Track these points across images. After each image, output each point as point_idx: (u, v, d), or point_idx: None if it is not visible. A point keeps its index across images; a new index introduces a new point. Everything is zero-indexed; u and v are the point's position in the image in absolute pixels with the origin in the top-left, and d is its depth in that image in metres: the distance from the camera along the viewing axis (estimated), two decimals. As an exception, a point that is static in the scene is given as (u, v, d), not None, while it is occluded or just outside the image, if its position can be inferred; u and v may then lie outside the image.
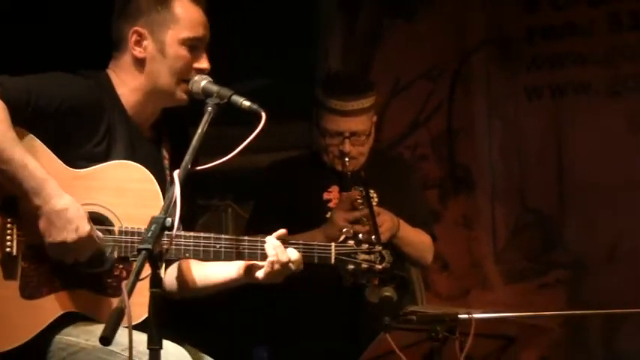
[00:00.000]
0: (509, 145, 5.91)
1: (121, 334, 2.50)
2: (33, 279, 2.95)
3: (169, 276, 3.22)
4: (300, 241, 3.19)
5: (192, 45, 3.17)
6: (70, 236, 2.88)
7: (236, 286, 3.21)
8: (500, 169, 5.92)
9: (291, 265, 3.11)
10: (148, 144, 3.24)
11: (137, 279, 2.54)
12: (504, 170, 5.91)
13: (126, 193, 3.06)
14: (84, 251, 2.92)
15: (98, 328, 2.86)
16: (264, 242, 3.12)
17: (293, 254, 3.12)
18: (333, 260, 3.24)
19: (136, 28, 3.16)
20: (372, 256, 3.29)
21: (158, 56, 3.16)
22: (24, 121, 2.94)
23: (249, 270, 3.15)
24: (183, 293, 3.25)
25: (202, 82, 3.08)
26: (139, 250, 2.57)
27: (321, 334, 4.22)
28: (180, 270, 3.23)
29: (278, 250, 3.09)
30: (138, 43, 3.16)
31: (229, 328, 4.99)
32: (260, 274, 3.11)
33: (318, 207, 4.26)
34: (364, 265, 3.27)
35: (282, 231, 3.17)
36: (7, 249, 2.92)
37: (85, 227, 2.90)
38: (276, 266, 3.08)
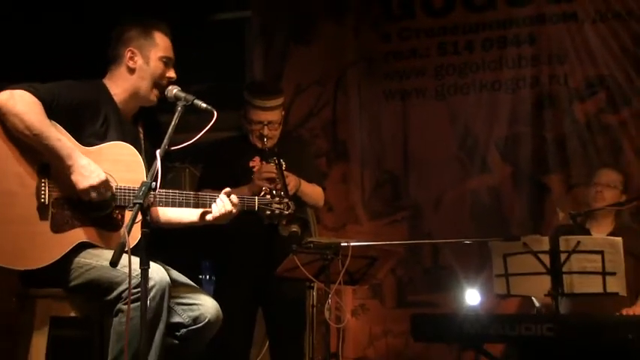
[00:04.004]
0: (373, 129, 5.89)
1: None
2: (59, 220, 2.95)
3: (163, 215, 3.27)
4: (238, 196, 3.21)
5: (165, 61, 3.22)
6: (94, 181, 2.90)
7: (198, 225, 3.25)
8: (367, 145, 5.90)
9: (233, 211, 3.15)
10: (130, 125, 3.24)
11: (133, 223, 2.59)
12: (369, 146, 5.90)
13: (120, 163, 3.08)
14: (105, 191, 2.94)
15: (104, 252, 2.95)
16: (212, 196, 3.16)
17: (233, 204, 3.16)
18: (256, 208, 3.28)
19: (130, 48, 3.19)
20: (282, 205, 3.33)
21: (144, 66, 3.19)
22: (49, 114, 2.94)
23: (204, 215, 3.19)
24: (167, 225, 3.30)
25: (174, 90, 3.10)
26: (134, 204, 2.63)
27: (249, 256, 4.22)
28: (167, 212, 3.28)
29: (225, 202, 3.14)
30: (131, 58, 3.19)
31: (185, 247, 4.92)
32: (209, 217, 3.17)
33: (245, 171, 4.21)
34: (277, 212, 3.32)
35: (227, 190, 3.20)
36: (42, 199, 2.92)
37: (102, 174, 2.93)
38: (223, 211, 3.13)
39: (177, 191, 3.11)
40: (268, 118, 4.21)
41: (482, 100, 5.68)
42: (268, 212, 3.29)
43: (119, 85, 3.19)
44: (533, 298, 4.49)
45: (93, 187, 2.91)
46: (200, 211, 3.19)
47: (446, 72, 5.77)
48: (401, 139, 5.83)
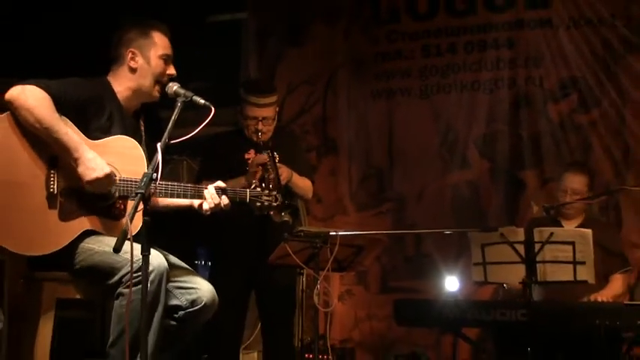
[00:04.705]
0: (360, 126, 5.89)
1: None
2: (67, 209, 2.94)
3: (162, 200, 3.25)
4: (229, 189, 3.23)
5: (165, 59, 3.21)
6: (99, 174, 2.89)
7: (193, 208, 3.24)
8: (354, 141, 5.90)
9: (221, 204, 3.16)
10: (132, 120, 3.24)
11: (135, 211, 2.59)
12: (356, 142, 5.90)
13: (123, 156, 3.07)
14: (108, 183, 2.94)
15: (107, 239, 2.96)
16: (205, 188, 3.17)
17: (223, 199, 3.17)
18: (248, 200, 3.29)
19: (131, 49, 3.17)
20: (271, 197, 3.34)
21: (145, 65, 3.18)
22: (58, 109, 2.93)
23: (200, 206, 3.20)
24: (165, 209, 3.28)
25: (174, 87, 3.11)
26: (136, 194, 2.63)
27: (243, 243, 4.22)
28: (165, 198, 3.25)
29: (213, 195, 3.15)
30: (132, 58, 3.17)
31: (182, 235, 4.90)
32: (205, 207, 3.16)
33: (241, 163, 4.20)
34: (266, 203, 3.32)
35: (218, 183, 3.22)
36: (51, 189, 2.91)
37: (107, 168, 2.92)
38: (212, 205, 3.14)
39: (175, 183, 3.11)
40: (263, 114, 4.21)
41: (463, 100, 5.69)
42: (258, 204, 3.30)
43: (122, 84, 3.19)
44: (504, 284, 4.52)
45: (98, 180, 2.90)
46: (196, 201, 3.20)
47: (429, 73, 5.77)
48: (386, 135, 5.84)
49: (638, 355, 4.17)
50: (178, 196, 3.12)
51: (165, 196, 3.10)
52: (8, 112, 2.90)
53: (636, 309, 3.83)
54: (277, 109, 4.36)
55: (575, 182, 4.52)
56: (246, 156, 4.26)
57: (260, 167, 4.02)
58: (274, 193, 3.34)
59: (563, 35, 5.47)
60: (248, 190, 3.29)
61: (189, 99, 3.00)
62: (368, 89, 5.90)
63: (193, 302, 3.08)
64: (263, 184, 3.35)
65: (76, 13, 5.31)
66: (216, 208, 3.16)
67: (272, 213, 3.73)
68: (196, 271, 3.32)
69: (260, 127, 4.19)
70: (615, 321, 3.78)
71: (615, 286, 4.39)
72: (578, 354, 4.02)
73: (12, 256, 2.91)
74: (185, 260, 3.27)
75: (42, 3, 5.32)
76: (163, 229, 3.12)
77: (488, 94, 5.63)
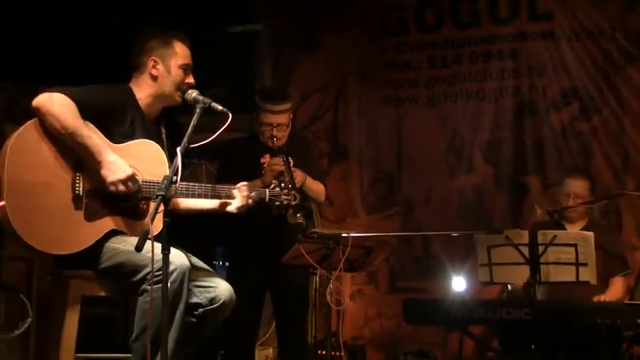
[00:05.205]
0: (370, 133, 5.89)
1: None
2: (92, 209, 2.95)
3: (182, 203, 3.26)
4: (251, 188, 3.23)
5: (185, 68, 3.20)
6: (122, 175, 2.90)
7: (213, 213, 3.26)
8: (364, 147, 5.90)
9: (250, 202, 3.18)
10: (153, 125, 3.23)
11: (156, 212, 2.59)
12: (367, 148, 5.89)
13: (145, 159, 3.07)
14: (131, 184, 2.94)
15: (131, 239, 2.95)
16: (226, 188, 3.17)
17: (252, 195, 3.19)
18: (267, 199, 3.30)
19: (152, 57, 3.17)
20: (290, 196, 3.34)
21: (166, 74, 3.17)
22: (82, 114, 2.94)
23: (223, 205, 3.21)
24: (186, 212, 3.30)
25: (193, 94, 3.10)
26: (157, 195, 2.63)
27: (259, 244, 4.21)
28: (186, 200, 3.27)
29: (245, 193, 3.16)
30: (154, 66, 3.17)
31: (201, 236, 4.88)
32: (232, 208, 3.18)
33: (257, 167, 4.20)
34: (285, 202, 3.33)
35: (242, 183, 3.22)
36: (77, 191, 2.92)
37: (129, 169, 2.93)
38: (244, 202, 3.15)
39: (196, 184, 3.12)
40: (277, 121, 4.20)
41: (469, 108, 5.68)
42: (277, 203, 3.30)
43: (144, 91, 3.18)
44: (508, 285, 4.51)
45: (120, 181, 2.91)
46: (217, 202, 3.20)
47: (436, 82, 5.77)
48: (395, 141, 5.83)
49: (637, 353, 4.15)
50: (199, 196, 3.12)
51: (187, 196, 3.10)
52: (36, 119, 2.92)
53: (636, 308, 3.80)
54: (291, 116, 4.35)
55: (577, 186, 4.51)
56: (262, 160, 4.25)
57: (275, 170, 4.01)
58: (292, 192, 3.35)
59: (565, 46, 5.47)
60: (267, 189, 3.29)
61: (207, 105, 3.00)
62: (377, 97, 5.89)
63: (212, 300, 3.08)
64: (282, 184, 3.34)
65: (78, 15, 5.29)
66: (246, 207, 3.17)
67: (289, 214, 3.72)
68: (214, 270, 3.31)
69: (275, 133, 4.19)
70: (616, 320, 3.76)
71: (616, 290, 4.37)
72: (580, 351, 4.00)
73: (40, 255, 2.92)
74: (204, 260, 3.27)
75: (42, 3, 5.30)
76: (184, 230, 3.13)
77: (493, 102, 5.62)
